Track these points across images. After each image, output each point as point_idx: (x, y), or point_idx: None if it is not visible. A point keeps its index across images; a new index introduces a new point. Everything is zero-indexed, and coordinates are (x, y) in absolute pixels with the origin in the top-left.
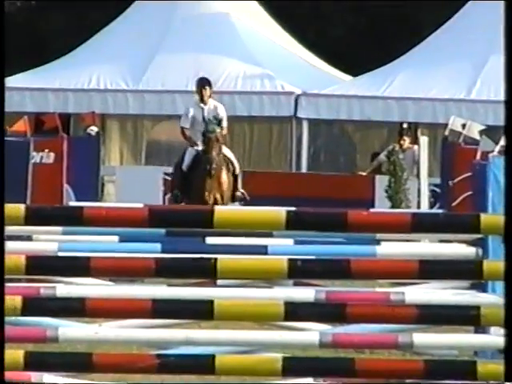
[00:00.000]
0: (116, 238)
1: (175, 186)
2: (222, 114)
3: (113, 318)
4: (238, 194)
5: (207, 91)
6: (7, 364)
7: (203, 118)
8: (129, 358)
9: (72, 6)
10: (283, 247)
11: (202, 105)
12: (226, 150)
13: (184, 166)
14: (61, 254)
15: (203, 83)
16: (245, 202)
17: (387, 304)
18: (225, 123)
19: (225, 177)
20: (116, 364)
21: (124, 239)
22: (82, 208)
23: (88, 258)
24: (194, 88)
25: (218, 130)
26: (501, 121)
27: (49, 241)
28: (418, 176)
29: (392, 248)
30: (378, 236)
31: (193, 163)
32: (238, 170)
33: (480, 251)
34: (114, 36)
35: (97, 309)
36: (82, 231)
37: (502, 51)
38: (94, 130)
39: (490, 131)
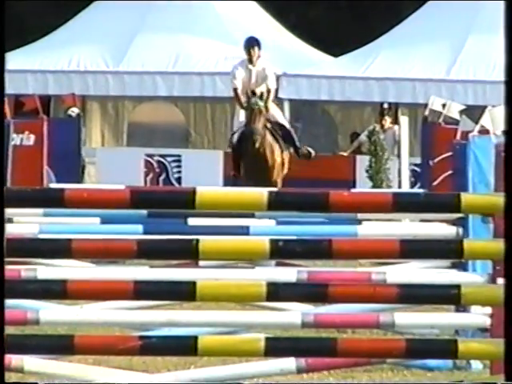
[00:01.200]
0: (97, 220)
1: (233, 166)
2: (270, 74)
3: (94, 300)
4: (302, 150)
5: (255, 52)
6: None
7: (251, 81)
8: (110, 340)
9: None
10: (265, 228)
11: (250, 66)
12: (274, 113)
13: (234, 141)
14: (42, 236)
15: (252, 43)
16: (310, 158)
17: (369, 284)
18: (272, 84)
19: (271, 148)
20: (97, 346)
21: (105, 221)
22: (62, 190)
23: (69, 240)
24: (174, 69)
25: (262, 103)
26: (480, 100)
27: (29, 223)
28: (398, 156)
29: (373, 228)
30: (359, 216)
31: (241, 138)
32: (292, 133)
33: (460, 230)
34: (94, 17)
35: (78, 291)
36: (63, 213)
37: (481, 31)
38: (74, 111)
39: (469, 111)
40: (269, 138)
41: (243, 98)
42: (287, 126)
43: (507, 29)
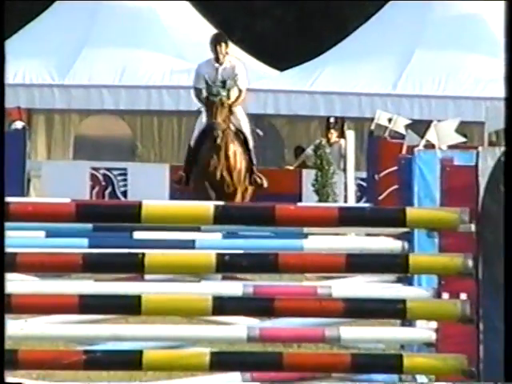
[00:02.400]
0: (42, 234)
1: (183, 167)
2: (240, 72)
3: (39, 313)
4: (255, 177)
5: (223, 48)
6: None
7: (217, 80)
8: (55, 355)
9: None
10: (211, 241)
11: (216, 64)
12: (240, 118)
13: (192, 141)
14: None
15: (218, 39)
16: (261, 188)
17: (314, 298)
18: (242, 84)
19: (234, 149)
20: (42, 361)
21: (50, 234)
22: (8, 204)
23: (14, 254)
24: (121, 82)
25: (224, 93)
26: (426, 115)
27: None
28: (344, 170)
29: (319, 242)
30: (306, 230)
31: (200, 136)
32: (251, 145)
33: (406, 245)
34: (39, 30)
35: (23, 305)
36: (7, 226)
37: (428, 46)
38: (19, 124)
39: (415, 125)
40: (232, 137)
41: (204, 93)
42: (250, 144)
43: (507, 29)
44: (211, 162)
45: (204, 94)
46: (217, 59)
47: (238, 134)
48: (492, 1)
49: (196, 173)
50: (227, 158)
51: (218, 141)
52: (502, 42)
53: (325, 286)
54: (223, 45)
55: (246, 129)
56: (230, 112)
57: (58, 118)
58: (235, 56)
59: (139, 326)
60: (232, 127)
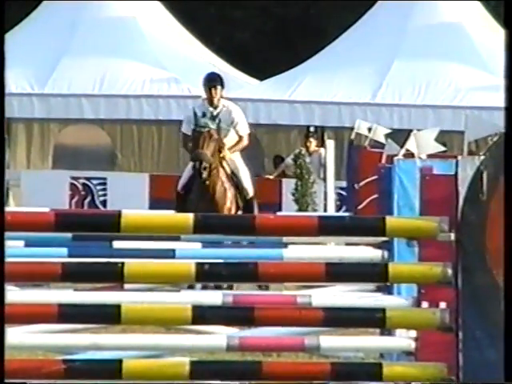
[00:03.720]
0: (21, 243)
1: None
2: (238, 118)
3: (18, 323)
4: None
5: (218, 91)
6: None
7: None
8: (34, 364)
9: None
10: (191, 251)
11: (210, 108)
12: (238, 166)
13: (179, 187)
14: None
15: (213, 81)
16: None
17: (294, 307)
18: (243, 129)
19: (223, 188)
20: (21, 370)
21: (30, 244)
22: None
23: None
24: (100, 92)
25: (213, 126)
26: (406, 124)
27: None
28: (324, 179)
29: (299, 251)
30: (285, 239)
31: (189, 182)
32: (250, 194)
33: (385, 254)
34: (18, 38)
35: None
36: None
37: (406, 56)
38: None
39: (395, 135)
40: (221, 174)
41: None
42: (250, 193)
43: (507, 28)
44: (198, 199)
45: (191, 127)
46: (210, 102)
47: (233, 178)
48: (472, 10)
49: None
50: (214, 195)
51: (204, 175)
52: (482, 51)
53: (304, 295)
54: (218, 88)
55: (246, 178)
56: (223, 155)
57: (37, 128)
58: (230, 101)
59: (119, 335)
60: (227, 169)
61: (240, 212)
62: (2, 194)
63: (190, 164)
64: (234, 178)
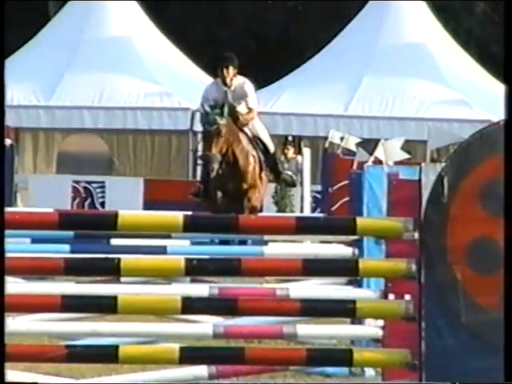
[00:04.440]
0: (28, 240)
1: (200, 180)
2: (250, 91)
3: (25, 312)
4: (285, 176)
5: (230, 71)
6: None
7: (226, 101)
8: (40, 349)
9: None
10: (180, 247)
11: (224, 88)
12: (257, 127)
13: (199, 180)
14: None
15: (225, 61)
16: (293, 185)
17: (273, 298)
18: (253, 103)
19: (246, 151)
20: (28, 354)
21: (35, 241)
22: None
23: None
24: (99, 104)
25: (222, 121)
26: (375, 134)
27: None
28: (301, 184)
29: (278, 248)
30: (266, 237)
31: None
32: (272, 149)
33: (356, 251)
34: (26, 57)
35: (10, 304)
36: None
37: (375, 73)
38: (7, 142)
39: (364, 143)
40: (242, 137)
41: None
42: (271, 148)
43: (507, 28)
44: (222, 178)
45: (205, 106)
46: (224, 82)
47: (255, 139)
48: (434, 32)
49: (209, 184)
50: (237, 170)
51: (213, 175)
52: (443, 68)
53: (283, 288)
54: (231, 68)
55: (265, 136)
56: (244, 122)
57: (42, 136)
58: (242, 77)
59: (115, 323)
60: (248, 133)
61: (264, 172)
62: (2, 194)
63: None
64: (255, 140)
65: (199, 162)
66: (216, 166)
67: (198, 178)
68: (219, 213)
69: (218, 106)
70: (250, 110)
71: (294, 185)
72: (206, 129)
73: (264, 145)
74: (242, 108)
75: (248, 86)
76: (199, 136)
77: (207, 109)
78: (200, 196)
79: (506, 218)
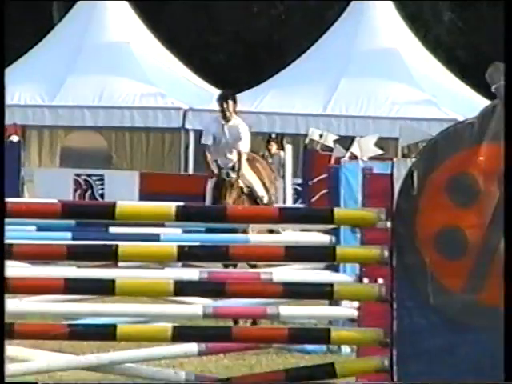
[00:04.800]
0: (34, 228)
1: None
2: (244, 134)
3: (31, 294)
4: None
5: (230, 106)
6: None
7: (224, 137)
8: (44, 327)
9: None
10: (173, 235)
11: (223, 122)
12: (249, 179)
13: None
14: None
15: (225, 97)
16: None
17: (258, 282)
18: (244, 147)
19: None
20: (34, 332)
21: (41, 229)
22: (5, 203)
23: (11, 245)
24: (99, 103)
25: (233, 175)
26: (351, 132)
27: None
28: (283, 177)
29: (262, 236)
30: (251, 226)
31: (214, 201)
32: (265, 201)
33: (333, 238)
34: (32, 61)
35: (18, 286)
36: (5, 222)
37: (352, 75)
38: (15, 138)
39: (342, 140)
40: (238, 190)
41: (213, 167)
42: (265, 200)
43: (507, 28)
44: None
45: (213, 150)
46: (224, 117)
47: (251, 194)
48: (405, 39)
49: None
50: None
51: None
52: (413, 71)
53: (267, 272)
54: (230, 102)
55: (258, 187)
56: (238, 178)
57: (47, 133)
58: (240, 117)
59: (113, 304)
60: (244, 189)
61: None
62: (2, 190)
63: (210, 183)
64: (248, 191)
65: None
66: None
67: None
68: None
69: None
70: (239, 153)
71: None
72: (222, 177)
73: (257, 196)
74: (236, 148)
75: (243, 128)
76: (191, 134)
77: (220, 165)
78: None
79: (507, 217)
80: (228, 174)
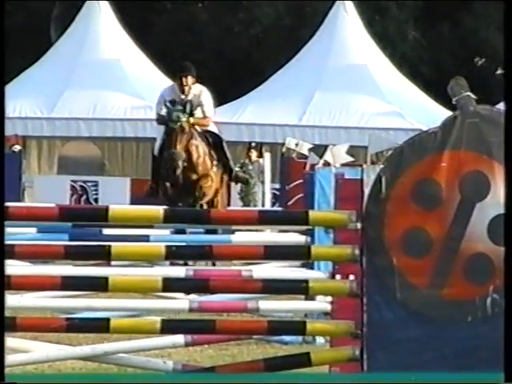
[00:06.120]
0: (34, 230)
1: (151, 180)
2: (206, 101)
3: (31, 290)
4: (238, 174)
5: (189, 80)
6: None
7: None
8: (44, 321)
9: None
10: (161, 236)
11: (182, 96)
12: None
13: (155, 151)
14: None
15: (184, 70)
16: (247, 183)
17: (239, 279)
18: (209, 111)
19: (196, 147)
20: (34, 325)
21: (40, 230)
22: (8, 207)
23: (12, 245)
24: (93, 115)
25: (184, 118)
26: (324, 140)
27: None
28: (262, 182)
29: (243, 236)
30: (233, 227)
31: (163, 144)
32: (222, 138)
33: (309, 239)
34: (32, 76)
35: (19, 283)
36: (7, 224)
37: (325, 89)
38: (17, 148)
39: (316, 149)
40: (197, 140)
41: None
42: (221, 137)
43: (507, 28)
44: (178, 195)
45: (164, 118)
46: (182, 90)
47: (206, 134)
48: (374, 55)
49: (162, 181)
50: (190, 159)
51: (178, 171)
52: (381, 85)
53: (247, 270)
54: (189, 77)
55: (214, 129)
56: (192, 132)
57: (45, 143)
58: (200, 85)
59: (107, 299)
60: (199, 129)
61: (215, 162)
62: (2, 194)
63: (163, 128)
64: (204, 134)
65: (156, 151)
66: (181, 163)
67: (156, 149)
68: (170, 202)
69: (178, 103)
70: (206, 117)
71: (245, 182)
72: (170, 126)
73: (214, 138)
74: (197, 113)
75: (205, 95)
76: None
77: (168, 105)
78: (154, 194)
79: (507, 217)
80: (178, 118)
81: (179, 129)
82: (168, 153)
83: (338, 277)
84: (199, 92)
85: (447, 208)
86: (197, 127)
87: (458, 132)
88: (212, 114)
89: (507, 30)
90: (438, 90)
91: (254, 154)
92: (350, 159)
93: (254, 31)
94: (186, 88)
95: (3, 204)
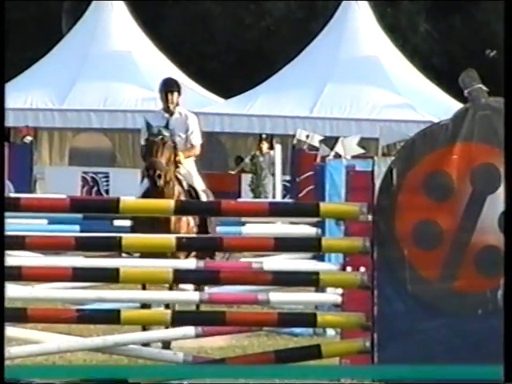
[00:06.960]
0: (45, 221)
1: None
2: (193, 127)
3: (42, 281)
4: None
5: (174, 97)
6: None
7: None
8: (55, 312)
9: (12, 44)
10: None
11: (166, 115)
12: (192, 174)
13: (139, 195)
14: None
15: (170, 86)
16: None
17: (250, 271)
18: (196, 139)
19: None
20: (45, 316)
21: (51, 222)
22: (19, 198)
23: (24, 236)
24: (104, 107)
25: (166, 133)
26: (335, 132)
27: None
28: (273, 174)
29: (254, 228)
30: (243, 219)
31: (147, 192)
32: (203, 199)
33: (319, 231)
34: (43, 68)
35: (30, 274)
36: (19, 216)
37: (336, 81)
38: (28, 139)
39: (327, 141)
40: (176, 186)
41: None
42: (203, 198)
43: (507, 28)
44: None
45: (144, 136)
46: (167, 109)
47: (190, 190)
48: (385, 47)
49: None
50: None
51: (159, 183)
52: (392, 77)
53: (258, 262)
54: (175, 94)
55: (199, 185)
56: (178, 160)
57: (57, 134)
58: (186, 108)
59: (117, 291)
60: (184, 182)
61: (193, 222)
62: (2, 194)
63: (145, 173)
64: (190, 191)
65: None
66: (163, 173)
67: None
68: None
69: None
70: (192, 146)
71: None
72: (150, 139)
73: (196, 195)
74: (179, 141)
75: (192, 120)
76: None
77: (151, 123)
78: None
79: (507, 217)
80: (160, 132)
81: (160, 142)
82: (148, 162)
83: (348, 269)
84: (185, 116)
85: (458, 200)
86: (179, 177)
87: (470, 124)
88: (199, 141)
89: (507, 30)
90: (449, 82)
91: (264, 146)
92: (361, 151)
93: (265, 23)
94: (172, 106)
95: (3, 198)
